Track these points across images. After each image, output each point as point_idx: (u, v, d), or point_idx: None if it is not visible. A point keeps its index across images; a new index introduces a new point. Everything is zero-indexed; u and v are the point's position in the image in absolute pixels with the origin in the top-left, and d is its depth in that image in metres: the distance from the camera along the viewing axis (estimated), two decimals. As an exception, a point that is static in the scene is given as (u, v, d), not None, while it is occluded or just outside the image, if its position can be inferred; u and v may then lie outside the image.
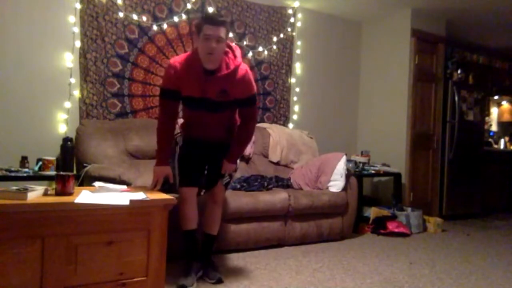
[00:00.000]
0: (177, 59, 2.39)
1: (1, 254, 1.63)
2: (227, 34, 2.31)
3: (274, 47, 4.54)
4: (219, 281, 2.48)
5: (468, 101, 5.28)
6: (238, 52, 2.45)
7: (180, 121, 2.78)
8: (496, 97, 6.54)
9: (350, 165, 4.13)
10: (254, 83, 2.49)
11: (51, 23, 3.42)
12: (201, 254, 2.62)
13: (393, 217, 4.10)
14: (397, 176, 4.54)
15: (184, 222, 2.51)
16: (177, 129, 2.69)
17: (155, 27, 3.83)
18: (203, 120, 2.50)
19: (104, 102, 3.62)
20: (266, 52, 4.48)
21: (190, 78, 2.34)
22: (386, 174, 4.58)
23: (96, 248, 1.81)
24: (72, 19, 3.49)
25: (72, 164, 3.21)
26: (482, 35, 5.67)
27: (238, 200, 3.15)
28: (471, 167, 5.30)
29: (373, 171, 4.46)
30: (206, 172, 2.61)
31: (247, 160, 3.94)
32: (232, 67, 2.35)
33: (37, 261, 1.69)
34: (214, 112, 2.45)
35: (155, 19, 3.85)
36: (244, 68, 2.41)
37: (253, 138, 3.97)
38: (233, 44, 2.48)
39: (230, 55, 2.40)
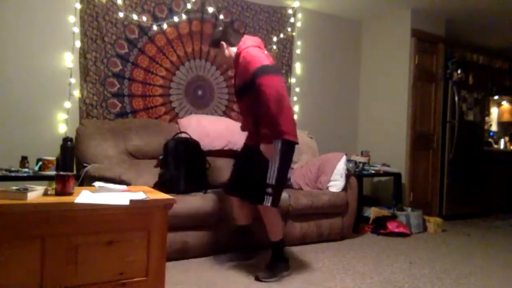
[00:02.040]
0: None
1: (1, 254, 1.63)
2: (221, 47, 2.70)
3: (274, 47, 4.53)
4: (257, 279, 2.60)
5: (468, 101, 5.28)
6: (242, 41, 2.68)
7: None
8: (496, 97, 6.54)
9: (350, 165, 4.12)
10: (254, 61, 2.52)
11: (51, 23, 3.42)
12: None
13: (393, 217, 4.10)
14: (397, 176, 4.54)
15: (233, 219, 2.93)
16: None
17: (155, 27, 3.83)
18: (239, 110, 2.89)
19: (104, 102, 3.62)
20: (266, 52, 4.47)
21: None
22: (386, 174, 4.58)
23: (96, 248, 1.81)
24: (72, 19, 3.49)
25: (72, 164, 3.21)
26: (482, 35, 5.67)
27: (238, 200, 3.15)
28: (471, 167, 5.30)
29: (373, 171, 4.46)
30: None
31: (247, 160, 3.93)
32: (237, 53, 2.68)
33: (37, 261, 1.69)
34: (239, 97, 2.75)
35: (155, 19, 3.85)
36: (243, 51, 2.62)
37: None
38: (245, 37, 2.72)
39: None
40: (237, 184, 2.78)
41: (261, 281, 2.55)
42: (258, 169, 2.56)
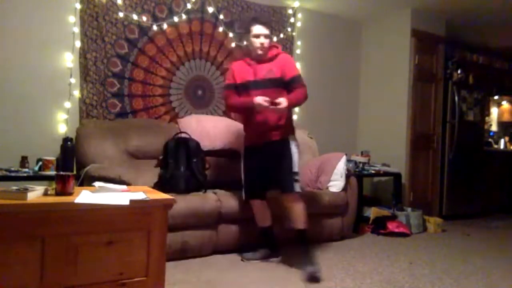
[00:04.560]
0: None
1: (1, 254, 1.63)
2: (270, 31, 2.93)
3: (274, 47, 4.53)
4: (314, 279, 2.62)
5: (468, 101, 5.28)
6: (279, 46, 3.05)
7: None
8: (496, 97, 6.53)
9: (350, 165, 4.12)
10: (296, 67, 2.95)
11: (51, 23, 3.42)
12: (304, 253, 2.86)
13: (393, 217, 4.10)
14: (397, 176, 4.54)
15: (257, 221, 3.00)
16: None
17: (155, 27, 3.83)
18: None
19: (104, 102, 3.62)
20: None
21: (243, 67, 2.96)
22: (386, 174, 4.58)
23: (96, 248, 1.81)
24: (72, 19, 3.49)
25: (72, 164, 3.21)
26: (482, 35, 5.67)
27: (238, 200, 3.15)
28: (471, 167, 5.29)
29: (373, 171, 4.46)
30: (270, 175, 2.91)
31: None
32: (275, 53, 2.91)
33: (37, 261, 1.69)
34: (264, 88, 2.81)
35: (155, 19, 3.85)
36: (286, 54, 3.01)
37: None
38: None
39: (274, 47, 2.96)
40: (260, 186, 2.95)
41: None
42: (287, 160, 2.85)
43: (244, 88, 2.92)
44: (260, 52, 2.86)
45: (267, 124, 2.84)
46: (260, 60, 2.91)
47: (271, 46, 2.94)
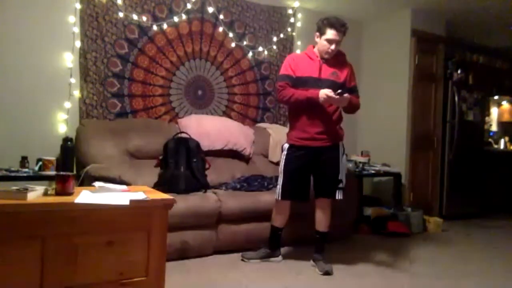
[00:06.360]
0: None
1: (1, 254, 1.63)
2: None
3: (274, 47, 4.53)
4: (327, 273, 2.74)
5: (468, 101, 5.27)
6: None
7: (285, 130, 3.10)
8: (496, 97, 6.53)
9: (350, 165, 4.12)
10: (355, 78, 3.01)
11: (51, 23, 3.42)
12: (316, 249, 2.95)
13: (393, 217, 4.09)
14: (397, 176, 4.54)
15: (273, 220, 3.00)
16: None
17: (155, 27, 3.83)
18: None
19: (104, 102, 3.62)
20: (266, 52, 4.48)
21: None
22: (386, 174, 4.58)
23: (96, 248, 1.81)
24: (72, 19, 3.49)
25: (72, 164, 3.21)
26: (482, 35, 5.67)
27: (238, 200, 3.16)
28: (471, 167, 5.29)
29: (373, 171, 4.46)
30: (313, 180, 2.92)
31: (247, 160, 3.94)
32: (341, 59, 2.98)
33: (37, 261, 1.69)
34: (325, 88, 2.77)
35: (155, 19, 3.85)
36: (350, 63, 3.03)
37: (253, 137, 3.98)
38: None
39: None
40: (301, 188, 2.91)
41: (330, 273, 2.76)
42: (335, 167, 2.90)
43: (302, 82, 2.85)
44: (326, 56, 2.87)
45: (323, 124, 2.86)
46: (326, 60, 2.90)
47: (338, 51, 2.95)
